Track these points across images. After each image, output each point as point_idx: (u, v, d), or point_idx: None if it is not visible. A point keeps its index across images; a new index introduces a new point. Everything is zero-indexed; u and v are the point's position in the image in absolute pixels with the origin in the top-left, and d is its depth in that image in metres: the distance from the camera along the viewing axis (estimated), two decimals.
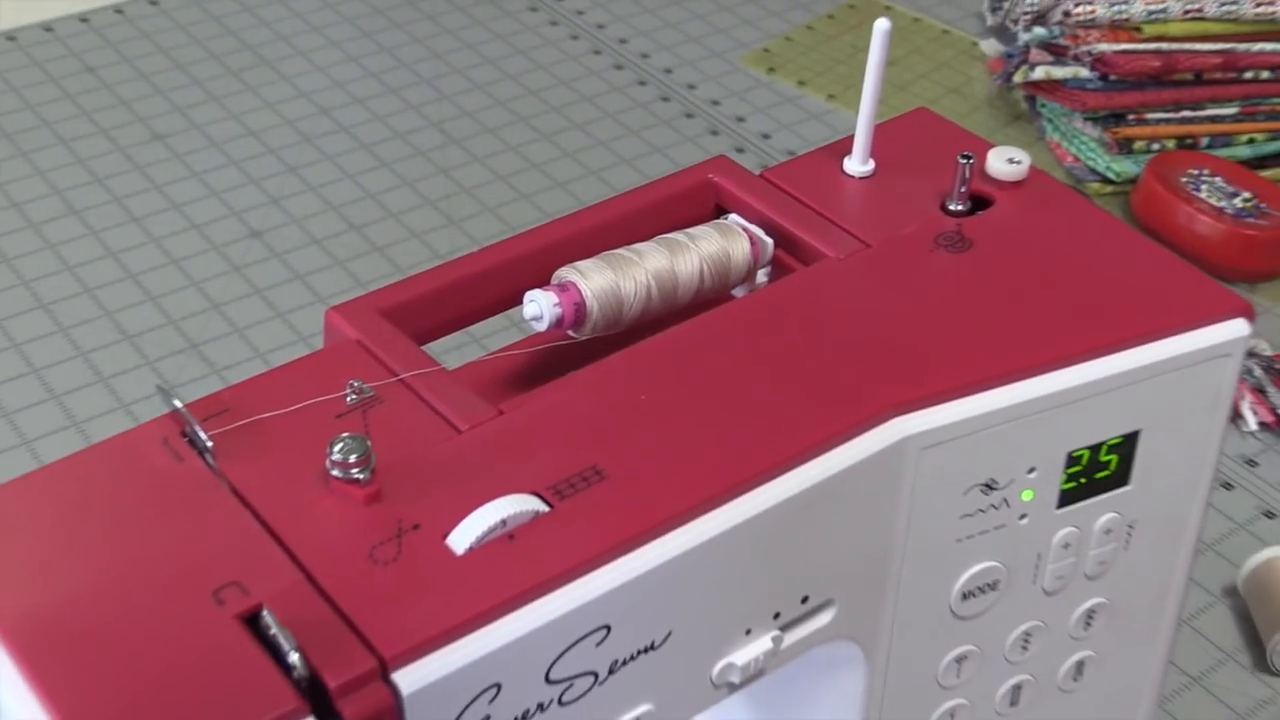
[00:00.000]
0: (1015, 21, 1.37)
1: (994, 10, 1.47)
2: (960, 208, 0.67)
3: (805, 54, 1.43)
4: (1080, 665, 0.70)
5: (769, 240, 0.66)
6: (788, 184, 0.68)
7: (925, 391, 0.59)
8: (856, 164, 0.69)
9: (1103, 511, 0.65)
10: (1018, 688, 0.69)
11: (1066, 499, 0.64)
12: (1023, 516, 0.63)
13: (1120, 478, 0.65)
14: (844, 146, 0.69)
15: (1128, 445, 0.64)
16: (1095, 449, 0.63)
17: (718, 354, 0.60)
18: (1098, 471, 0.64)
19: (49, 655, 0.48)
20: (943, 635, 0.65)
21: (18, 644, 0.49)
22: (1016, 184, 0.68)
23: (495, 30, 1.45)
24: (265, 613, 0.49)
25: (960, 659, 0.66)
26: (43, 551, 0.52)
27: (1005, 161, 0.68)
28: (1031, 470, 0.62)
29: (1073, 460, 0.63)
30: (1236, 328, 0.64)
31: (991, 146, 0.68)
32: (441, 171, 1.28)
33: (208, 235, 1.21)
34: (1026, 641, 0.67)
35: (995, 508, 0.62)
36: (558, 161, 1.30)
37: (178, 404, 0.55)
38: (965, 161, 0.66)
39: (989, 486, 0.62)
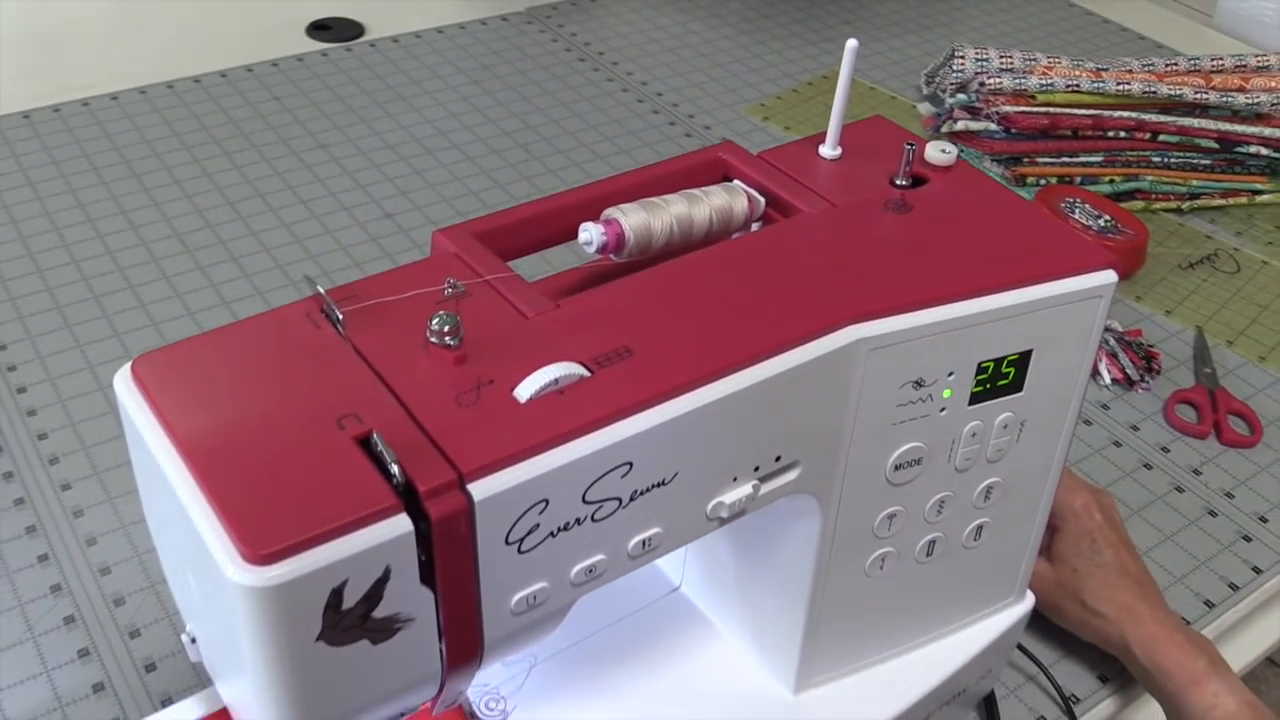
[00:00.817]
0: (944, 90, 1.35)
1: (928, 83, 1.45)
2: (904, 183, 0.64)
3: (791, 108, 1.41)
4: (980, 529, 0.67)
5: (761, 199, 0.63)
6: (777, 161, 0.65)
7: (874, 308, 0.56)
8: (828, 149, 0.66)
9: (1002, 410, 0.62)
10: (933, 542, 0.66)
11: (975, 398, 0.61)
12: (943, 409, 0.60)
13: (1016, 385, 0.62)
14: (820, 139, 0.66)
15: (1023, 361, 0.61)
16: (998, 361, 0.60)
17: (721, 275, 0.57)
18: (999, 379, 0.61)
19: (217, 464, 0.46)
20: (879, 496, 0.62)
21: (193, 456, 0.46)
22: (947, 169, 0.65)
23: (567, 82, 1.42)
24: (375, 436, 0.46)
25: (891, 516, 0.63)
26: (212, 389, 0.50)
27: (939, 151, 0.65)
28: (951, 374, 0.59)
29: (981, 369, 0.60)
30: (1106, 276, 0.61)
31: (929, 141, 0.65)
32: (525, 179, 1.26)
33: (355, 215, 1.19)
34: (941, 507, 0.64)
35: (923, 401, 0.59)
36: (611, 169, 1.27)
37: (320, 289, 0.53)
38: (909, 148, 0.63)
39: (918, 384, 0.59)
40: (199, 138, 1.29)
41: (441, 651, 0.50)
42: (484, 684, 0.67)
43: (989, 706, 0.79)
